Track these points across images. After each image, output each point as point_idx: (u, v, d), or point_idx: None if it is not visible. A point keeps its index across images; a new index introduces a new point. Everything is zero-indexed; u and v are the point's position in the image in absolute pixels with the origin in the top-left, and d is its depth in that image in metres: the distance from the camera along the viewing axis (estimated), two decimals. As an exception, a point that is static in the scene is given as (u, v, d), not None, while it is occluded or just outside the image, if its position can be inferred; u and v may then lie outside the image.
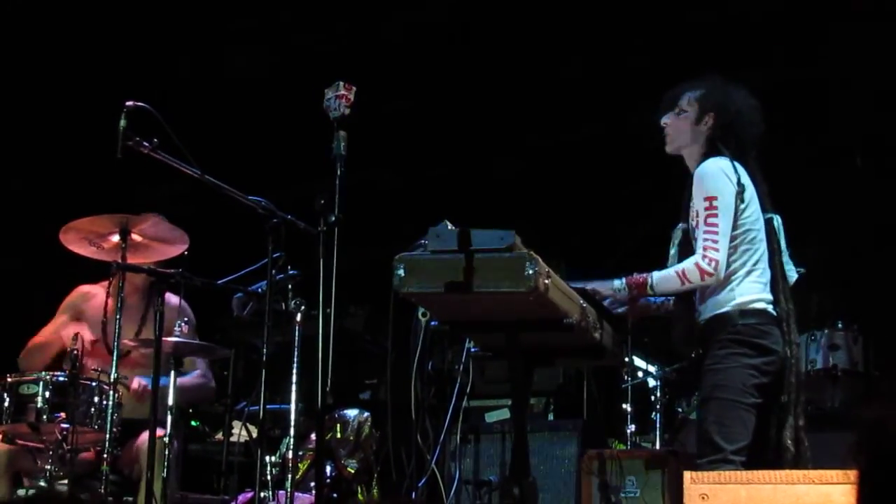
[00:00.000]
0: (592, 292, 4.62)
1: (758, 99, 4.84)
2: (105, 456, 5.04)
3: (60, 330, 5.86)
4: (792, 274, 4.79)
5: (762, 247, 4.70)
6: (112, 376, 5.14)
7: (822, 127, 7.77)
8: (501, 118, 8.51)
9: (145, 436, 5.28)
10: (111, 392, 5.12)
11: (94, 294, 6.01)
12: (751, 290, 4.64)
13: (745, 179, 4.67)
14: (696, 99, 4.82)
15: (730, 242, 4.59)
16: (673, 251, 4.79)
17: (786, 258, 4.79)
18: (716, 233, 4.56)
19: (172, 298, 5.62)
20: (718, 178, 4.62)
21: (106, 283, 5.81)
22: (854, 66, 7.56)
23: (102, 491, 4.97)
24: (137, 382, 5.67)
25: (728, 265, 4.60)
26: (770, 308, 4.66)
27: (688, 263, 4.60)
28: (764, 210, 4.74)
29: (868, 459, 1.77)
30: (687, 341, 4.86)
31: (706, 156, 4.73)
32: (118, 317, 5.22)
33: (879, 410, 1.82)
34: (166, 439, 5.22)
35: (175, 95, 7.14)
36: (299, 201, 4.80)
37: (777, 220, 4.80)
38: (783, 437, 4.60)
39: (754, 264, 4.66)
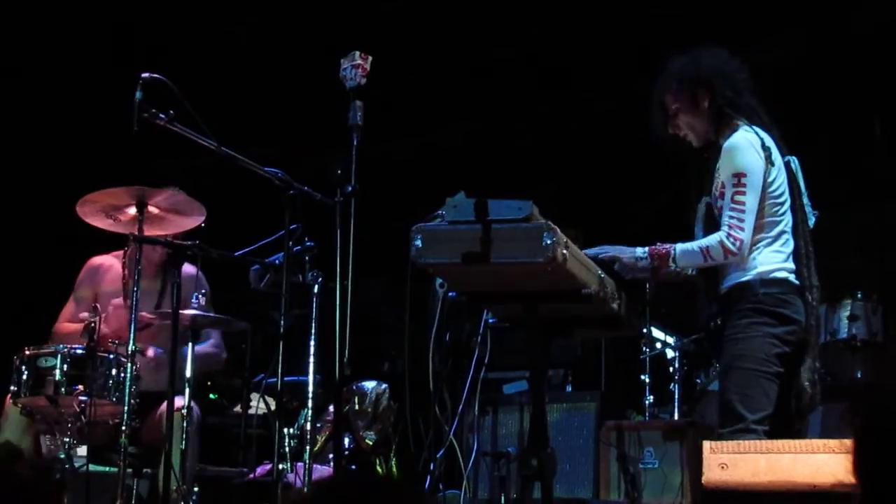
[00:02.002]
0: (612, 258, 4.59)
1: (773, 68, 4.81)
2: (123, 428, 5.05)
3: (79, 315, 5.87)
4: (811, 217, 4.78)
5: (787, 218, 4.67)
6: (130, 348, 5.13)
7: (841, 95, 7.71)
8: (520, 90, 8.48)
9: (164, 408, 5.28)
10: (129, 364, 5.12)
11: (109, 266, 6.00)
12: (772, 260, 4.62)
13: (770, 143, 4.64)
14: (678, 89, 4.78)
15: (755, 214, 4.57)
16: (698, 226, 4.77)
17: (805, 200, 4.77)
18: (742, 210, 4.52)
19: (189, 269, 5.62)
20: (747, 152, 4.59)
21: (120, 254, 5.81)
22: (871, 31, 7.52)
23: (121, 463, 4.98)
24: (153, 351, 5.67)
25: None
26: (792, 277, 4.64)
27: (712, 240, 4.57)
28: (781, 154, 4.71)
29: (863, 424, 1.75)
30: (709, 311, 4.85)
31: (723, 127, 4.70)
32: (136, 289, 5.22)
33: (877, 375, 1.80)
34: (185, 411, 5.23)
35: (191, 66, 7.13)
36: (318, 172, 4.78)
37: (794, 163, 4.77)
38: (801, 378, 4.59)
39: (778, 234, 4.64)
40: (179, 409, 5.24)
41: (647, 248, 4.64)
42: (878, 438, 1.67)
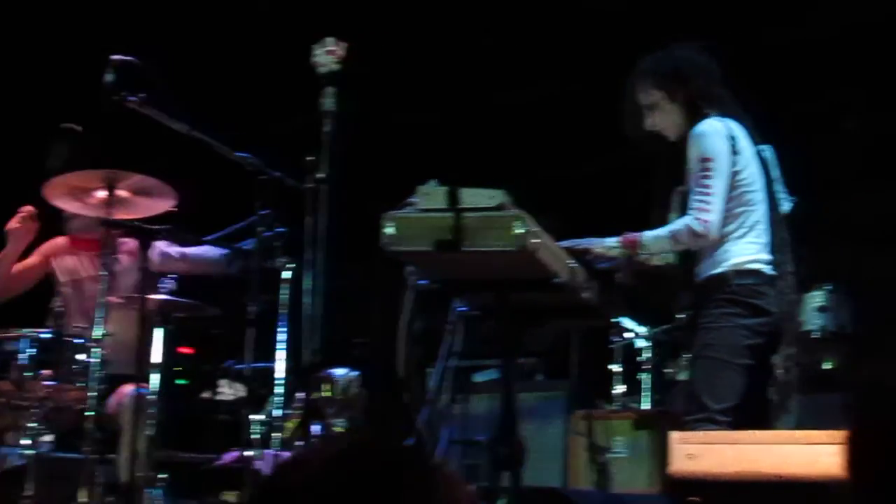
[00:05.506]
0: (584, 250, 4.60)
1: (744, 61, 4.83)
2: (89, 413, 5.02)
3: (30, 272, 5.86)
4: (786, 204, 4.79)
5: (761, 208, 4.69)
6: (96, 333, 5.10)
7: (813, 89, 7.74)
8: (503, 83, 8.49)
9: (127, 391, 5.25)
10: (96, 349, 5.08)
11: (67, 254, 5.98)
12: (746, 251, 4.63)
13: (738, 133, 4.67)
14: (653, 86, 4.82)
15: (726, 203, 4.58)
16: (674, 215, 4.78)
17: (779, 187, 4.79)
18: (709, 194, 4.55)
19: (132, 245, 5.61)
20: (712, 138, 4.62)
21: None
22: (845, 23, 7.55)
23: (87, 449, 4.95)
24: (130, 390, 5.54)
25: (724, 226, 4.59)
26: (767, 269, 4.66)
27: (679, 224, 4.60)
28: (753, 143, 4.73)
29: (861, 420, 1.73)
30: (683, 301, 4.87)
31: (696, 118, 4.72)
32: (105, 273, 5.19)
33: (873, 370, 1.77)
34: (152, 397, 5.20)
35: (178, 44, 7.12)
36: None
37: (767, 151, 4.80)
38: (776, 365, 4.61)
39: (752, 225, 4.66)
40: (143, 395, 5.21)
41: (618, 238, 4.65)
42: (874, 435, 1.65)
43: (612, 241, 4.66)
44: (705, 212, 4.54)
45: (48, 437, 5.15)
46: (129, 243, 5.82)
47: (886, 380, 1.64)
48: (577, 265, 4.41)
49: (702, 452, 3.64)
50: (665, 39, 4.92)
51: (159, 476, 5.38)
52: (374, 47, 7.14)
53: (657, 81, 4.80)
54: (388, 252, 4.09)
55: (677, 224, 4.62)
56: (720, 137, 4.62)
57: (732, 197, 4.62)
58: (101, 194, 5.28)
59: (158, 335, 5.37)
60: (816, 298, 7.16)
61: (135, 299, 5.28)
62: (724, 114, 4.72)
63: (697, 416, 4.47)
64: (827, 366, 7.24)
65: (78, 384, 5.21)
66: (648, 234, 4.64)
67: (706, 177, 4.57)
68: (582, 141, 8.35)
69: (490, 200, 3.97)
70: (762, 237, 4.69)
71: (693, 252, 4.72)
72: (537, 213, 4.03)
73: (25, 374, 5.17)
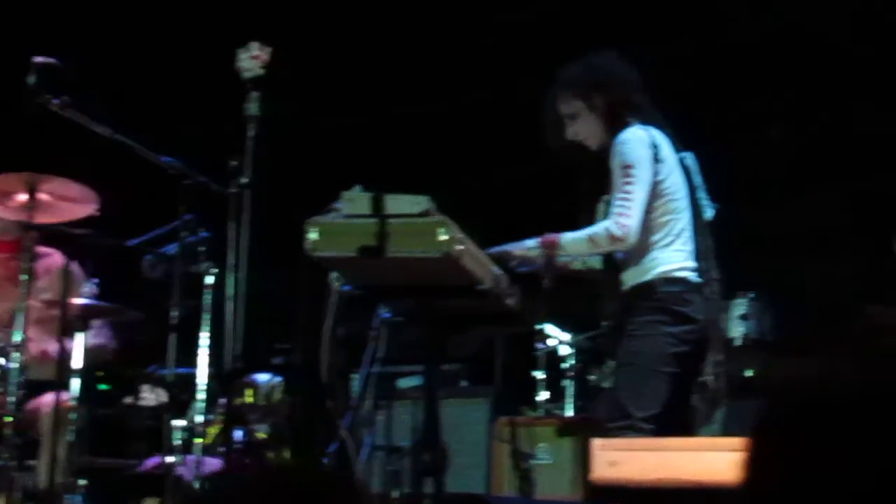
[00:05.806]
0: (504, 253, 4.61)
1: (669, 67, 4.86)
2: (7, 419, 4.95)
3: None
4: (708, 211, 4.83)
5: (685, 215, 4.71)
6: (15, 338, 5.03)
7: (736, 95, 7.82)
8: (427, 89, 8.49)
9: (46, 399, 5.19)
10: (16, 354, 5.02)
11: None
12: (673, 259, 4.65)
13: (660, 141, 4.69)
14: (572, 95, 4.83)
15: (650, 212, 4.60)
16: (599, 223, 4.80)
17: (702, 194, 4.83)
18: (629, 199, 4.56)
19: (58, 259, 5.54)
20: (634, 145, 4.64)
21: None
22: (767, 29, 7.64)
23: (6, 455, 4.88)
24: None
25: (650, 234, 4.61)
26: (693, 276, 4.68)
27: (598, 227, 4.61)
28: (676, 150, 4.76)
29: (764, 422, 1.71)
30: (610, 309, 4.88)
31: (617, 127, 4.74)
32: (27, 277, 5.12)
33: (785, 372, 1.77)
34: (72, 403, 5.15)
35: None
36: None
37: (689, 158, 4.83)
38: (704, 371, 4.64)
39: (678, 233, 4.68)
40: (64, 402, 5.15)
41: (538, 239, 4.66)
42: (777, 438, 1.64)
43: (531, 243, 4.67)
44: (625, 216, 4.56)
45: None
46: (54, 257, 5.75)
47: (795, 382, 1.64)
48: (501, 272, 4.42)
49: (624, 459, 3.65)
50: (586, 47, 4.93)
51: (79, 482, 5.33)
52: (299, 52, 7.14)
53: (577, 91, 4.81)
54: (312, 257, 4.08)
55: (596, 227, 4.63)
56: (642, 145, 4.65)
57: (657, 206, 4.64)
58: (22, 197, 5.22)
59: (79, 340, 5.31)
60: (738, 306, 7.23)
61: (55, 303, 5.21)
62: (645, 121, 4.75)
63: (620, 424, 4.48)
64: (749, 373, 7.32)
65: (-4, 390, 5.14)
66: (567, 236, 4.64)
67: (628, 183, 4.59)
68: (508, 146, 8.38)
69: (414, 207, 3.97)
70: (688, 245, 4.71)
71: (617, 259, 4.74)
72: (462, 219, 4.04)
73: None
